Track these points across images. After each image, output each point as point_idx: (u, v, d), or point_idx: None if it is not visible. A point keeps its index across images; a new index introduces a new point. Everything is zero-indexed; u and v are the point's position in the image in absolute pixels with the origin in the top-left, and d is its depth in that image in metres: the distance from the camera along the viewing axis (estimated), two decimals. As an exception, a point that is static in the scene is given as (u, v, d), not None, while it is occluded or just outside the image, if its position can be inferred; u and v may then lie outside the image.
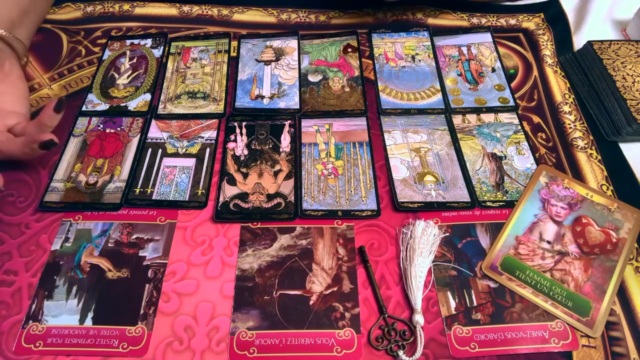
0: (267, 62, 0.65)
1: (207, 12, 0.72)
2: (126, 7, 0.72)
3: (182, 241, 0.48)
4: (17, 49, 0.59)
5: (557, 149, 0.56)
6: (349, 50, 0.66)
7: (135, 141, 0.57)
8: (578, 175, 0.54)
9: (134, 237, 0.49)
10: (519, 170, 0.54)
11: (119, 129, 0.58)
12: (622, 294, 0.45)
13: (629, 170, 0.54)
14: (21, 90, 0.56)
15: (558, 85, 0.63)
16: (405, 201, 0.51)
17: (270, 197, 0.51)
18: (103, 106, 0.60)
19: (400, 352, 0.41)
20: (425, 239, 0.47)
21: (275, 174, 0.53)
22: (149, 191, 0.52)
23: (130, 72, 0.64)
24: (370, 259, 0.47)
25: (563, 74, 0.64)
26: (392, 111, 0.59)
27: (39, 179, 0.53)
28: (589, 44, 0.62)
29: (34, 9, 0.64)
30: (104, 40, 0.68)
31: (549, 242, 0.48)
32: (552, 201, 0.51)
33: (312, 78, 0.63)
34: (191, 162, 0.55)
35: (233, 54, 0.66)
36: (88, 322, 0.43)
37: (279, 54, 0.66)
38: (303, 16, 0.71)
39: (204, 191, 0.52)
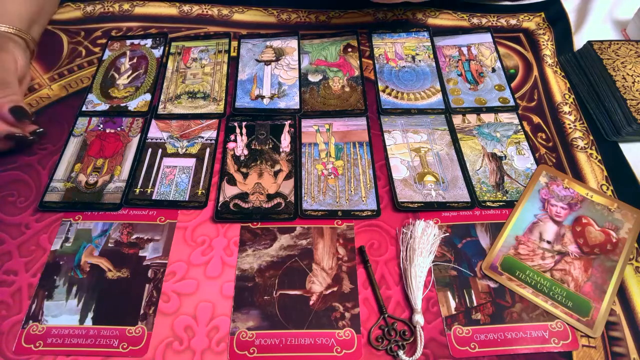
0: (267, 62, 0.65)
1: (207, 12, 0.72)
2: (126, 6, 0.72)
3: (182, 241, 0.48)
4: (30, 47, 0.60)
5: (557, 149, 0.56)
6: (349, 50, 0.66)
7: (135, 141, 0.57)
8: (578, 175, 0.54)
9: (134, 237, 0.49)
10: (519, 170, 0.54)
11: (119, 129, 0.58)
12: (622, 294, 0.45)
13: (629, 170, 0.54)
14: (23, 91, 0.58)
15: (558, 85, 0.63)
16: (405, 201, 0.51)
17: (270, 197, 0.51)
18: (103, 106, 0.60)
19: (400, 352, 0.41)
20: (425, 239, 0.47)
21: (275, 174, 0.53)
22: (149, 191, 0.52)
23: (130, 72, 0.64)
24: (370, 259, 0.47)
25: (563, 74, 0.64)
26: (392, 111, 0.59)
27: (39, 179, 0.53)
28: (589, 44, 0.62)
29: (48, 5, 0.67)
30: (104, 41, 0.68)
31: (549, 242, 0.48)
32: (552, 201, 0.51)
33: (312, 78, 0.63)
34: (191, 162, 0.55)
35: (233, 54, 0.66)
36: (88, 322, 0.43)
37: (279, 54, 0.66)
38: (303, 16, 0.71)
39: (204, 191, 0.52)
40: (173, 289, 0.45)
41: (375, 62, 0.65)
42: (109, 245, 0.48)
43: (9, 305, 0.44)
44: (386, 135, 0.57)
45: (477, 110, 0.60)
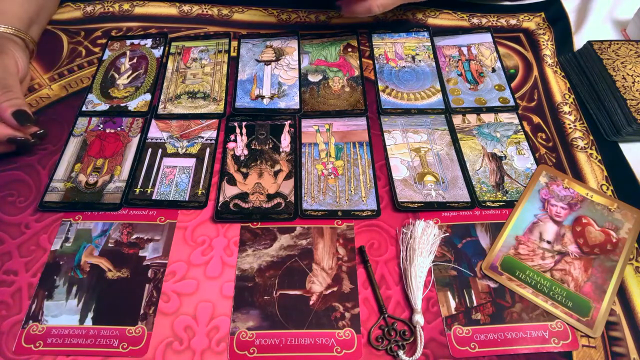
0: (267, 62, 0.65)
1: (207, 12, 0.72)
2: (126, 6, 0.72)
3: (182, 241, 0.48)
4: (29, 47, 0.60)
5: (557, 149, 0.56)
6: (349, 50, 0.66)
7: (135, 141, 0.57)
8: (578, 175, 0.54)
9: (134, 237, 0.49)
10: (519, 170, 0.54)
11: (119, 129, 0.58)
12: (622, 294, 0.45)
13: (629, 170, 0.54)
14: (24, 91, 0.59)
15: (558, 85, 0.63)
16: (405, 201, 0.51)
17: (270, 197, 0.51)
18: (103, 106, 0.60)
19: (400, 352, 0.41)
20: (425, 239, 0.47)
21: (275, 174, 0.53)
22: (149, 191, 0.52)
23: (130, 72, 0.64)
24: (370, 259, 0.47)
25: (563, 74, 0.64)
26: (392, 111, 0.59)
27: (39, 179, 0.53)
28: (589, 44, 0.62)
29: (48, 5, 0.67)
30: (104, 41, 0.68)
31: (549, 242, 0.48)
32: (552, 201, 0.51)
33: (312, 78, 0.63)
34: (191, 162, 0.55)
35: (233, 54, 0.66)
36: (88, 322, 0.43)
37: (279, 54, 0.66)
38: (303, 16, 0.71)
39: (204, 191, 0.52)
40: (173, 289, 0.45)
41: (375, 62, 0.65)
42: (109, 245, 0.48)
43: (9, 305, 0.44)
44: (386, 135, 0.57)
45: (477, 110, 0.60)
